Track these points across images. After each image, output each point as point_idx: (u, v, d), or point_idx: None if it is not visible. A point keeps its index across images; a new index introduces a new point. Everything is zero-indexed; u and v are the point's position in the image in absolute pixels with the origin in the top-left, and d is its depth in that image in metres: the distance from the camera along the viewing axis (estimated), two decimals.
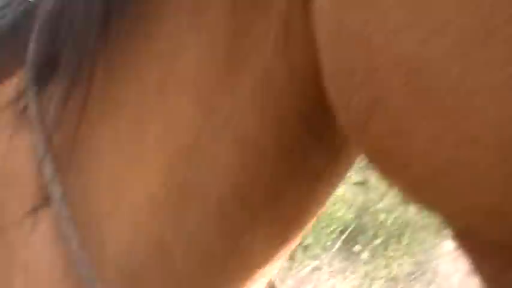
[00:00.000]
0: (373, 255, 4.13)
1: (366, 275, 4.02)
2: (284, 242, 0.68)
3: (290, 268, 4.07)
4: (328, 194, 0.69)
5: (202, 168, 0.62)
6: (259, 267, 0.67)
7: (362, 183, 4.02)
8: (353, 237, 4.20)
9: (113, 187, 0.64)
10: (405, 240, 4.26)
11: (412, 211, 3.69)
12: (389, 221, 4.31)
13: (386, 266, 4.12)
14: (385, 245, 4.19)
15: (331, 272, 4.04)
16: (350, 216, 4.24)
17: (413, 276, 4.16)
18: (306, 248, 3.85)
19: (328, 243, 4.06)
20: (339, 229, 4.18)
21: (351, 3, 0.44)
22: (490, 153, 0.38)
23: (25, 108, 0.67)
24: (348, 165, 0.66)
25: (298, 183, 0.64)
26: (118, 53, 0.64)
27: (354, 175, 3.64)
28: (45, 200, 0.66)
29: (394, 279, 4.08)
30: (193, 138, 0.61)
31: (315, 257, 4.02)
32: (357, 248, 4.19)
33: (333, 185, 0.68)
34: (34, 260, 0.68)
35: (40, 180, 0.66)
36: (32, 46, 0.67)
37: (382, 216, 4.27)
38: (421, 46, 0.39)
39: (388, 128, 0.44)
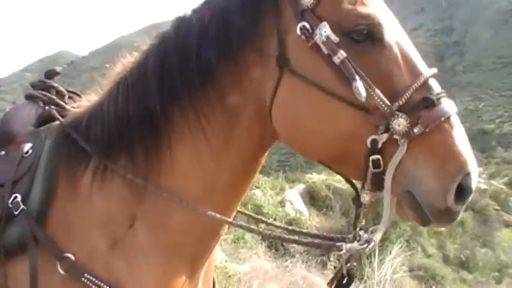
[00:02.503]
0: None
1: None
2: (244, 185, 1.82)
3: None
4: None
5: (220, 176, 1.71)
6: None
7: None
8: None
9: (182, 184, 1.71)
10: None
11: None
12: None
13: None
14: None
15: None
16: None
17: None
18: None
19: None
20: None
21: (289, 121, 1.60)
22: (325, 144, 1.59)
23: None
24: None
25: (255, 166, 1.79)
26: (175, 136, 1.70)
27: None
28: (133, 218, 1.70)
29: None
30: (214, 166, 1.70)
31: None
32: None
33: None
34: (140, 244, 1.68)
35: (131, 195, 1.71)
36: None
37: None
38: (312, 129, 1.57)
39: (299, 140, 1.65)
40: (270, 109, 1.60)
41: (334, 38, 1.49)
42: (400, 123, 1.43)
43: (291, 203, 17.01)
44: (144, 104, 1.66)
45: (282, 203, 16.54)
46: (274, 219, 11.08)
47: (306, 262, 9.45)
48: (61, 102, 2.02)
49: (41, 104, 1.99)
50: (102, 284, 1.58)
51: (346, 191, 14.34)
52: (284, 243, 10.26)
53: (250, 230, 1.87)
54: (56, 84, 2.08)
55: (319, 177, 19.87)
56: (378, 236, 1.57)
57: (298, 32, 1.52)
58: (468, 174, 1.44)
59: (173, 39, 1.68)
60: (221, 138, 1.66)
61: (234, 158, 1.68)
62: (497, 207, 26.50)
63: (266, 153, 1.79)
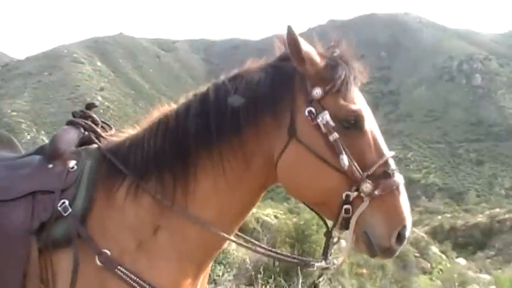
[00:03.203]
0: None
1: None
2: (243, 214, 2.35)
3: None
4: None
5: (232, 205, 2.23)
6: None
7: None
8: None
9: (203, 208, 2.21)
10: None
11: None
12: None
13: None
14: None
15: None
16: None
17: None
18: None
19: None
20: None
21: (290, 173, 2.16)
22: (313, 193, 2.18)
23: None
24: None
25: (257, 200, 2.34)
26: (200, 170, 2.19)
27: None
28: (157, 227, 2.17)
29: None
30: (228, 196, 2.20)
31: None
32: None
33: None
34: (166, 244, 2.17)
35: (156, 211, 2.18)
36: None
37: None
38: (306, 183, 2.15)
39: (294, 186, 2.23)
40: (277, 162, 2.17)
41: (331, 123, 2.09)
42: (367, 186, 2.06)
43: None
44: (180, 142, 2.19)
45: None
46: None
47: None
48: (97, 130, 2.46)
49: (82, 130, 2.43)
50: (130, 275, 2.03)
51: (274, 226, 14.46)
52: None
53: (247, 248, 2.57)
54: (93, 115, 2.51)
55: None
56: (340, 260, 2.25)
57: (306, 113, 2.12)
58: (405, 226, 2.08)
59: (212, 99, 2.22)
60: (236, 176, 2.18)
61: (244, 192, 2.22)
62: (417, 254, 27.28)
63: (266, 188, 2.33)
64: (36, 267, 2.07)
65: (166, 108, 2.35)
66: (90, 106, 2.56)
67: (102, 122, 2.54)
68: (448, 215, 56.47)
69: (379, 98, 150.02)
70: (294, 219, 15.20)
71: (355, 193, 2.07)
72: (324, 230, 2.28)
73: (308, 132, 2.12)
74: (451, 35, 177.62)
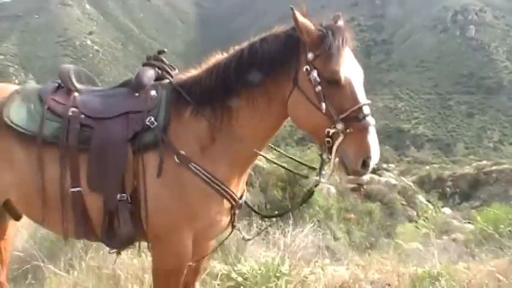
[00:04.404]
0: None
1: None
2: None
3: None
4: None
5: (261, 127, 3.04)
6: None
7: None
8: None
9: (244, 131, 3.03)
10: None
11: None
12: None
13: None
14: None
15: None
16: None
17: None
18: None
19: None
20: None
21: (294, 111, 2.94)
22: (308, 126, 2.96)
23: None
24: None
25: (277, 126, 3.15)
26: (241, 103, 3.01)
27: None
28: (215, 135, 3.04)
29: None
30: (258, 122, 3.01)
31: None
32: None
33: None
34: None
35: (212, 129, 3.03)
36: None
37: None
38: (303, 118, 2.92)
39: (297, 120, 3.06)
40: (286, 103, 2.95)
41: (318, 79, 2.81)
42: (340, 126, 2.73)
43: None
44: (226, 84, 3.00)
45: None
46: None
47: None
48: (167, 69, 3.27)
49: (156, 69, 3.23)
50: (199, 168, 2.91)
51: (266, 170, 14.55)
52: None
53: (270, 160, 3.55)
54: (163, 58, 3.31)
55: None
56: (327, 175, 2.96)
57: (304, 70, 2.86)
58: (369, 156, 2.70)
59: (246, 56, 3.01)
60: (262, 111, 2.98)
61: (267, 122, 3.03)
62: (403, 203, 27.73)
63: (284, 121, 3.09)
64: (131, 164, 2.93)
65: (220, 56, 3.14)
66: (160, 52, 3.38)
67: (168, 64, 3.32)
68: (436, 166, 57.15)
69: (372, 46, 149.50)
70: (285, 164, 15.39)
71: (333, 130, 2.75)
72: (313, 174, 3.17)
73: (304, 84, 2.86)
74: None
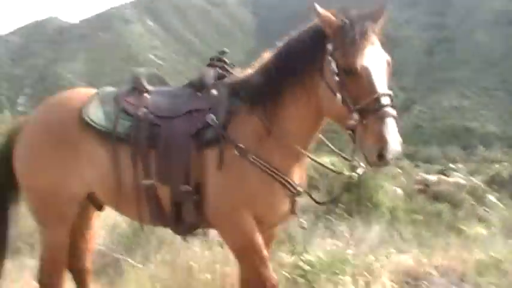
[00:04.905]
0: None
1: None
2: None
3: None
4: None
5: (304, 123, 3.20)
6: None
7: None
8: None
9: (289, 125, 3.19)
10: None
11: None
12: None
13: None
14: None
15: None
16: None
17: None
18: None
19: None
20: None
21: (323, 99, 3.05)
22: (333, 113, 3.07)
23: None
24: None
25: (319, 123, 3.25)
26: (286, 101, 3.19)
27: None
28: (268, 130, 3.19)
29: None
30: (300, 120, 3.18)
31: None
32: None
33: None
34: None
35: (263, 125, 3.20)
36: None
37: None
38: (329, 106, 3.07)
39: (325, 109, 3.14)
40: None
41: (335, 70, 2.87)
42: (355, 116, 2.76)
43: None
44: (271, 82, 3.16)
45: None
46: None
47: None
48: (228, 69, 3.49)
49: (217, 69, 3.47)
50: (258, 159, 3.09)
51: (331, 173, 14.46)
52: None
53: (311, 158, 3.41)
54: (224, 58, 3.55)
55: (308, 161, 20.06)
56: (358, 167, 3.10)
57: (326, 61, 2.93)
58: (383, 148, 2.65)
59: (282, 55, 3.19)
60: (305, 104, 3.12)
61: (310, 115, 3.15)
62: (473, 202, 26.97)
63: (324, 117, 3.16)
64: (194, 158, 3.18)
65: (267, 55, 3.33)
66: (222, 52, 3.60)
67: (229, 63, 3.56)
68: (506, 164, 55.09)
69: (434, 44, 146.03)
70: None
71: (352, 121, 2.78)
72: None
73: (328, 75, 2.94)
74: None
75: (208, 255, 4.85)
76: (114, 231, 6.09)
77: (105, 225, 6.04)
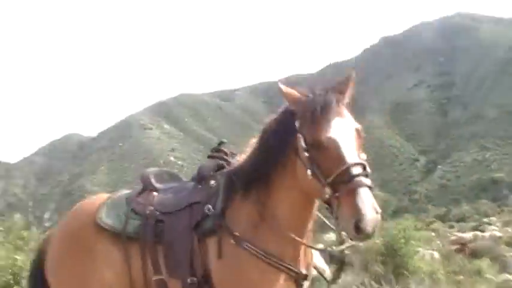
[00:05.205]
0: None
1: None
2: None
3: None
4: None
5: (295, 205, 3.11)
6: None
7: None
8: None
9: (281, 211, 3.12)
10: None
11: None
12: None
13: None
14: None
15: None
16: None
17: None
18: None
19: None
20: None
21: (299, 177, 2.99)
22: (311, 191, 2.97)
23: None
24: None
25: (309, 208, 3.16)
26: (275, 184, 3.14)
27: None
28: (262, 216, 3.14)
29: None
30: (294, 202, 3.10)
31: None
32: None
33: None
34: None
35: (258, 211, 3.14)
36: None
37: None
38: (306, 186, 3.01)
39: (303, 187, 3.06)
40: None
41: (303, 146, 2.86)
42: (327, 191, 2.72)
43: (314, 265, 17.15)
44: (257, 167, 3.16)
45: None
46: None
47: None
48: (227, 159, 3.57)
49: (217, 160, 3.55)
50: (252, 247, 3.04)
51: (363, 247, 14.68)
52: None
53: (315, 248, 3.51)
54: (225, 149, 3.65)
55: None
56: (341, 241, 3.02)
57: (298, 139, 2.91)
58: (359, 219, 2.57)
59: (262, 139, 3.20)
60: (290, 186, 3.06)
61: (298, 197, 3.07)
62: None
63: (315, 204, 3.14)
64: (197, 249, 3.21)
65: (252, 141, 3.35)
66: (220, 143, 3.74)
67: (231, 152, 3.66)
68: None
69: (446, 104, 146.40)
70: (381, 238, 15.48)
71: (326, 195, 2.74)
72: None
73: (300, 151, 2.90)
74: (509, 24, 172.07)
75: None
76: None
77: None
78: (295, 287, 3.16)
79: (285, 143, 3.03)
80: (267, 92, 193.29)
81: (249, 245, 3.05)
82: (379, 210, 2.65)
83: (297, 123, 2.94)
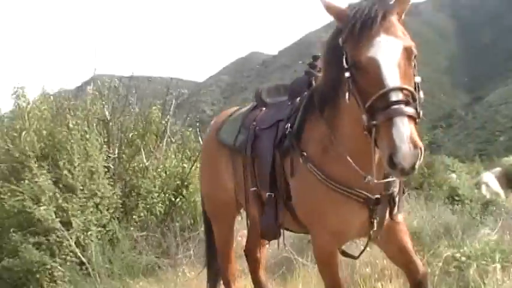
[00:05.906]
0: None
1: None
2: None
3: None
4: None
5: (355, 135, 2.71)
6: None
7: None
8: None
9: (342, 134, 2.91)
10: None
11: None
12: None
13: None
14: None
15: None
16: None
17: None
18: None
19: None
20: None
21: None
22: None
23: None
24: None
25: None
26: (333, 110, 2.94)
27: None
28: (330, 141, 2.98)
29: None
30: (353, 120, 2.69)
31: None
32: None
33: None
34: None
35: (328, 132, 2.99)
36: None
37: None
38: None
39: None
40: None
41: (345, 65, 2.56)
42: (365, 117, 2.43)
43: (487, 185, 16.16)
44: (325, 88, 2.96)
45: (477, 185, 15.66)
46: (470, 201, 11.23)
47: None
48: (315, 73, 3.47)
49: (311, 76, 3.49)
50: (314, 168, 2.98)
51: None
52: None
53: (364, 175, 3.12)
54: (316, 62, 3.51)
55: None
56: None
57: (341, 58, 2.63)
58: (394, 155, 2.24)
59: (325, 55, 3.02)
60: (352, 106, 2.61)
61: (358, 131, 2.59)
62: None
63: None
64: (279, 166, 3.29)
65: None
66: (315, 58, 3.55)
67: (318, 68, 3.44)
68: None
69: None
70: None
71: (366, 122, 2.45)
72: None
73: (342, 71, 2.60)
74: None
75: (368, 251, 4.95)
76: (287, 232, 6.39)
77: None
78: (367, 210, 2.93)
79: (338, 62, 2.67)
80: (452, 5, 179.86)
81: (312, 166, 2.98)
82: (421, 145, 2.27)
83: (340, 40, 2.64)
